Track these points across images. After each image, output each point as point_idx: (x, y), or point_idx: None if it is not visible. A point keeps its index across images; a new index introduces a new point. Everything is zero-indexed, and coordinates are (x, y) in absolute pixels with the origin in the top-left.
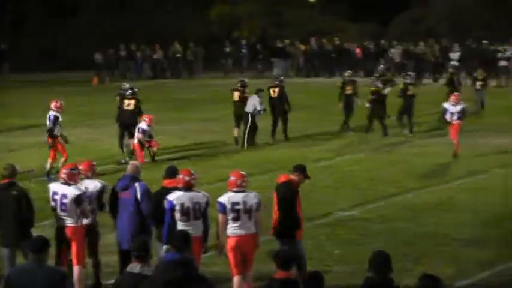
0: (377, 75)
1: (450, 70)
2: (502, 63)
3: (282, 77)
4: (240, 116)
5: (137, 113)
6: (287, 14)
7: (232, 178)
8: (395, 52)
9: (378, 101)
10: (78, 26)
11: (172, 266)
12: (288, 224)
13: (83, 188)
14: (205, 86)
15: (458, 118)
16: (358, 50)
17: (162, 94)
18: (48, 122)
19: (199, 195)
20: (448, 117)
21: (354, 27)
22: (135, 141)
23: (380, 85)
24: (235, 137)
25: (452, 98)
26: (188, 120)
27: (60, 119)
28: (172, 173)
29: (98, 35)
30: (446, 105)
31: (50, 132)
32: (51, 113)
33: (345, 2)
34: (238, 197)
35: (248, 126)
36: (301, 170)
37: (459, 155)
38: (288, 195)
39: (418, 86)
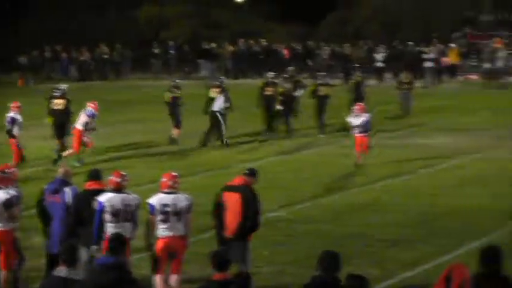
0: (285, 76)
1: (356, 76)
2: (427, 64)
3: (223, 78)
4: (171, 116)
5: (67, 113)
6: (215, 15)
7: (164, 179)
8: (323, 53)
9: (287, 102)
10: (2, 27)
11: (106, 269)
12: (251, 226)
13: (12, 191)
14: (133, 87)
15: (363, 131)
16: (286, 51)
17: (89, 96)
18: (6, 124)
19: (130, 198)
20: (353, 129)
21: (281, 28)
22: (80, 126)
23: (288, 86)
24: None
25: (356, 108)
26: (116, 122)
27: (20, 120)
28: (95, 175)
29: (22, 36)
30: (351, 118)
31: (8, 133)
32: (9, 115)
33: (273, 3)
34: (168, 198)
35: (222, 125)
36: (254, 173)
37: (361, 165)
38: (252, 198)
39: (330, 86)
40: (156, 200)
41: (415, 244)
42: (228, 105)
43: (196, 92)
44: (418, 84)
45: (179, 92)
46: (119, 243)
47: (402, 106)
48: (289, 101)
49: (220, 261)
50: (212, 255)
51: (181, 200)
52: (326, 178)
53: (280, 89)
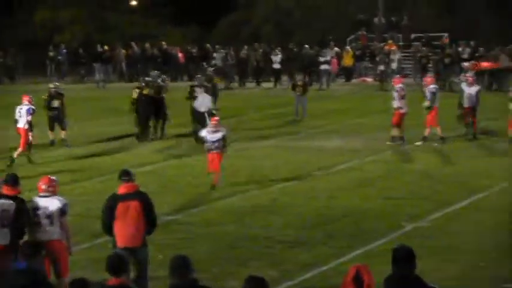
0: (148, 79)
1: (214, 78)
2: (323, 66)
3: (160, 79)
4: (56, 118)
5: None
6: (110, 19)
7: (40, 183)
8: (218, 56)
9: (147, 103)
10: None
11: (19, 274)
12: (151, 231)
13: None
14: (28, 91)
15: (220, 146)
16: (180, 54)
17: None
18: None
19: (7, 203)
20: (208, 145)
21: (176, 31)
22: (26, 125)
23: (151, 90)
24: (52, 140)
25: (212, 122)
26: (10, 127)
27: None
28: (9, 180)
29: None
30: (204, 133)
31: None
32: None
33: (167, 6)
34: (41, 202)
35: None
36: (133, 174)
37: (217, 186)
38: (150, 202)
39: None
40: (30, 203)
41: (313, 246)
42: (216, 107)
43: (90, 95)
44: (313, 86)
45: (54, 95)
46: (32, 248)
47: (297, 109)
48: (148, 102)
49: (116, 266)
50: (108, 259)
51: (53, 203)
52: (224, 180)
53: (145, 92)
